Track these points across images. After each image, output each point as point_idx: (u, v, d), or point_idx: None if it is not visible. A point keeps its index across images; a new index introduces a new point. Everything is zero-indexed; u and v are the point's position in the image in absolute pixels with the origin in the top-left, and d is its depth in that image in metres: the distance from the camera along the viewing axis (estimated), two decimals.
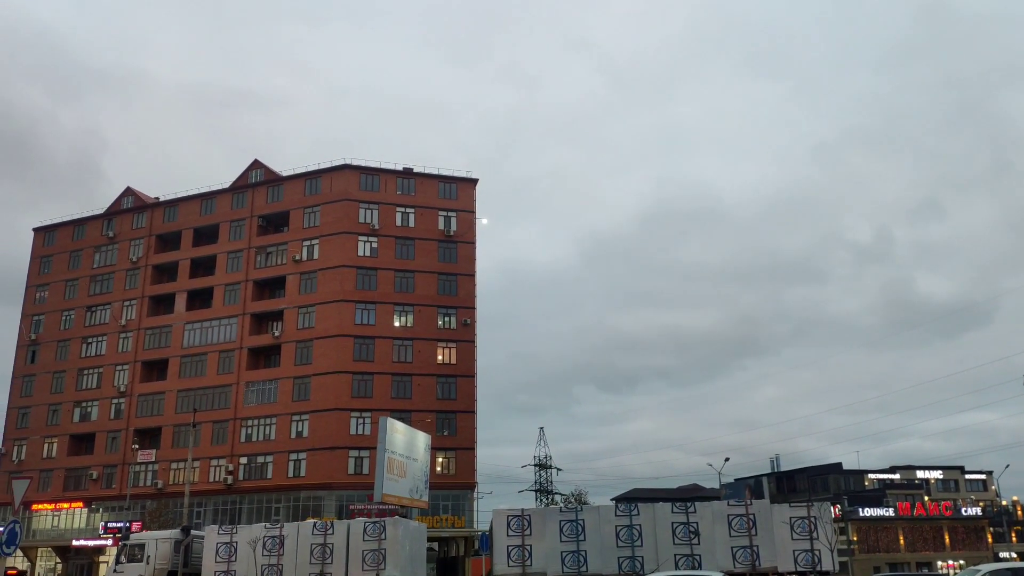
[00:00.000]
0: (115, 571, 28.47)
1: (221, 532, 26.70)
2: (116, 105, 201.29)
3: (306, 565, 24.85)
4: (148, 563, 27.92)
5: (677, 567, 21.77)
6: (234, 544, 26.05)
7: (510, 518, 23.63)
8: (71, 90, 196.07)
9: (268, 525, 27.09)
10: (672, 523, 22.61)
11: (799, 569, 21.34)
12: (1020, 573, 17.92)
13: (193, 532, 29.47)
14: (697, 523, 22.46)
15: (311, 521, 26.47)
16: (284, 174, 75.17)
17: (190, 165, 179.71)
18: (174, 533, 29.49)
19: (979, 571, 19.09)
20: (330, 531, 25.08)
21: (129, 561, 28.17)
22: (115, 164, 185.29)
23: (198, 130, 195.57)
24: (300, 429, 66.31)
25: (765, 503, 23.01)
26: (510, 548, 23.24)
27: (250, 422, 68.25)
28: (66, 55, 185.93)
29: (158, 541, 28.70)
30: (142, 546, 28.47)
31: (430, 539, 64.42)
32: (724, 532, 22.27)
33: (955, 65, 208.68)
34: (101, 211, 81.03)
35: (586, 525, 23.09)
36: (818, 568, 21.31)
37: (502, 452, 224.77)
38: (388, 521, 25.45)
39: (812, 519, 21.84)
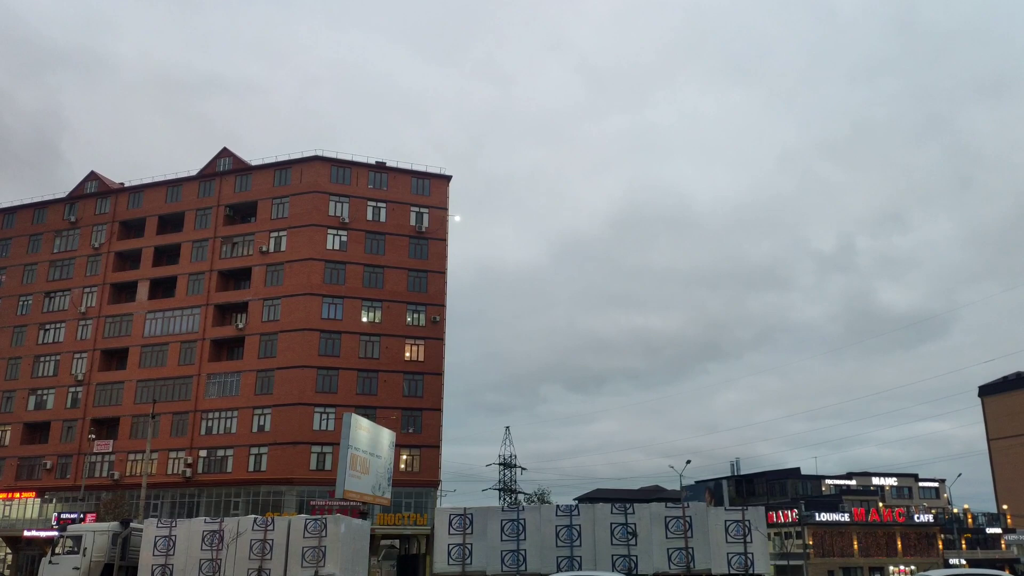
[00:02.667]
0: (50, 563, 27.80)
1: (160, 525, 26.40)
2: (77, 86, 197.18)
3: (245, 560, 24.62)
4: (84, 555, 27.35)
5: (614, 568, 22.02)
6: (173, 538, 25.72)
7: (452, 517, 23.81)
8: (30, 69, 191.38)
9: (208, 519, 26.85)
10: (611, 524, 22.83)
11: (732, 571, 21.66)
12: None
13: (132, 525, 29.03)
14: (635, 524, 22.75)
15: (251, 516, 26.21)
16: (253, 163, 74.13)
17: (155, 151, 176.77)
18: (112, 526, 28.99)
19: None
20: (270, 527, 24.92)
21: (65, 553, 27.57)
22: (76, 147, 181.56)
23: (164, 115, 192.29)
24: (262, 423, 65.49)
25: (701, 506, 23.41)
26: (451, 547, 23.40)
27: (211, 415, 67.25)
28: (25, 33, 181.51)
29: (95, 533, 28.08)
30: (79, 538, 27.86)
31: (392, 536, 64.27)
32: (661, 534, 22.64)
33: (923, 80, 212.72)
34: (63, 195, 79.20)
35: (527, 525, 23.31)
36: (751, 571, 21.64)
37: (468, 451, 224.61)
38: (329, 518, 25.29)
39: (746, 523, 22.12)
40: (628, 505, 23.33)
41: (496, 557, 22.87)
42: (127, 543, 28.15)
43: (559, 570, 21.86)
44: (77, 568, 27.12)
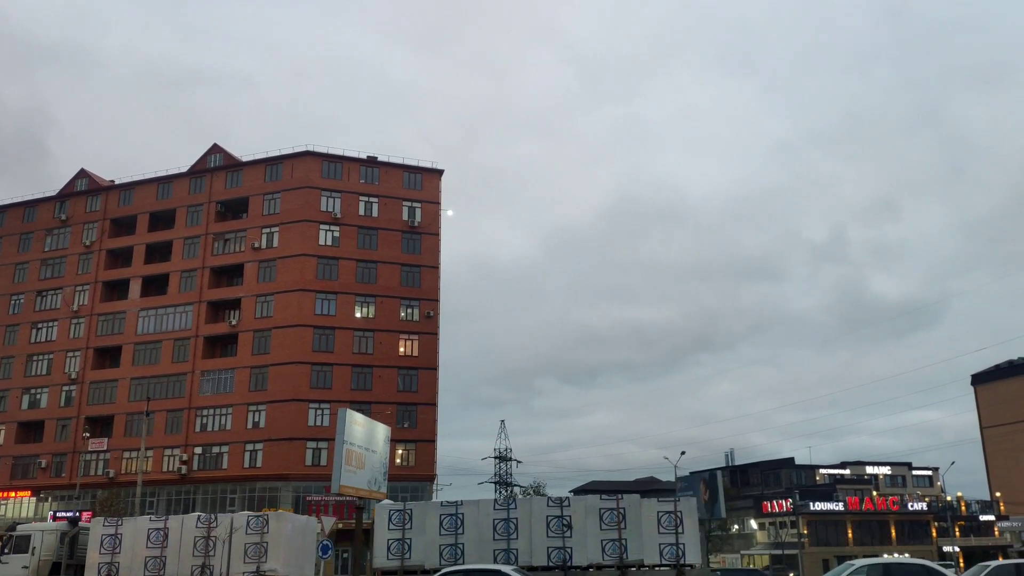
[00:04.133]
0: (0, 562, 28.02)
1: (106, 524, 26.58)
2: (64, 83, 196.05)
3: (189, 558, 24.94)
4: (33, 555, 27.54)
5: (549, 559, 22.47)
6: (119, 536, 25.88)
7: (391, 512, 24.17)
8: (15, 65, 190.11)
9: (153, 517, 27.07)
10: (547, 517, 23.13)
11: (664, 562, 21.99)
12: (893, 568, 18.29)
13: (80, 524, 29.30)
14: (570, 517, 23.02)
15: (196, 514, 26.62)
16: (244, 159, 73.96)
17: (144, 147, 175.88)
18: (61, 525, 29.31)
19: (853, 566, 19.55)
20: (214, 524, 25.24)
21: (14, 552, 27.78)
22: (64, 144, 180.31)
23: (152, 110, 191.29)
24: (257, 419, 65.49)
25: (635, 498, 23.69)
26: (390, 542, 23.73)
27: (205, 411, 67.22)
28: (8, 29, 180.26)
29: (44, 533, 28.31)
30: (27, 537, 28.10)
31: None
32: (595, 525, 22.88)
33: (915, 69, 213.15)
34: (53, 193, 78.91)
35: (465, 519, 23.66)
36: (682, 561, 21.92)
37: (463, 445, 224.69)
38: (271, 515, 25.59)
39: (678, 514, 22.46)
40: (564, 498, 23.71)
41: (434, 551, 23.33)
42: (75, 542, 28.43)
43: (495, 561, 22.34)
44: (26, 567, 27.32)
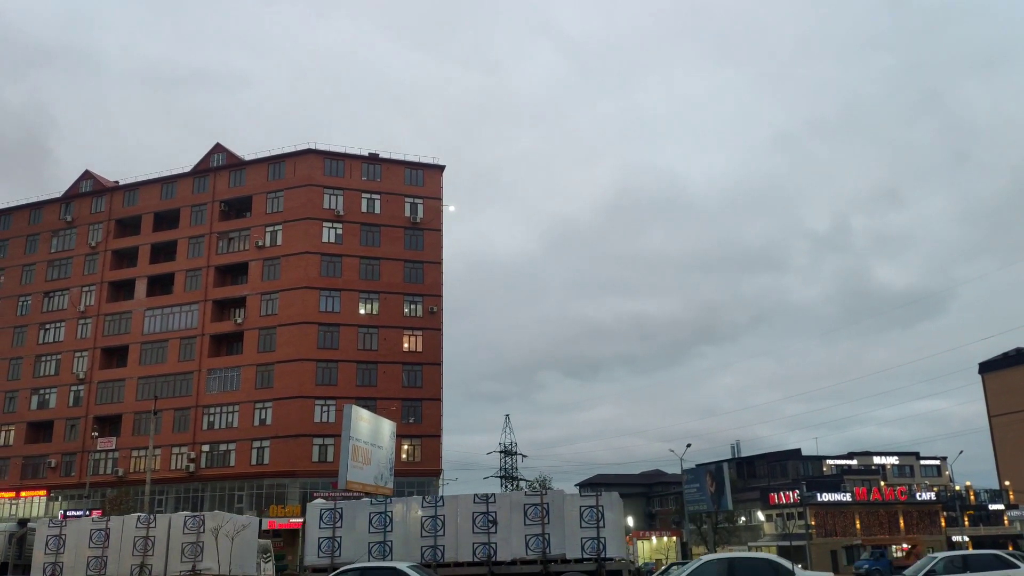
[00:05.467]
0: None
1: (51, 525, 27.35)
2: (64, 84, 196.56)
3: (129, 557, 25.52)
4: None
5: (474, 555, 22.88)
6: (63, 536, 26.52)
7: (322, 511, 24.63)
8: (14, 67, 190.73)
9: (96, 519, 27.99)
10: (473, 513, 23.58)
11: (585, 555, 22.28)
12: (736, 562, 18.16)
13: (28, 525, 29.81)
14: (496, 513, 23.42)
15: (136, 515, 27.22)
16: (247, 158, 74.24)
17: (146, 147, 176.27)
18: (9, 526, 29.87)
19: (701, 560, 19.37)
20: (152, 524, 25.85)
21: None
22: (65, 145, 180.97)
23: (153, 111, 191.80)
24: (263, 416, 65.85)
25: (559, 494, 24.11)
26: (321, 540, 24.16)
27: (212, 409, 67.62)
28: (6, 31, 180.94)
29: None
30: None
31: None
32: (520, 521, 23.26)
33: (916, 55, 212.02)
34: (58, 194, 79.40)
35: (394, 517, 24.11)
36: (602, 555, 22.25)
37: (468, 439, 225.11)
38: (207, 515, 26.13)
39: (600, 508, 22.79)
40: (490, 495, 24.13)
41: (364, 548, 23.76)
42: (23, 542, 28.98)
43: (422, 558, 22.73)
44: None
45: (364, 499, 27.03)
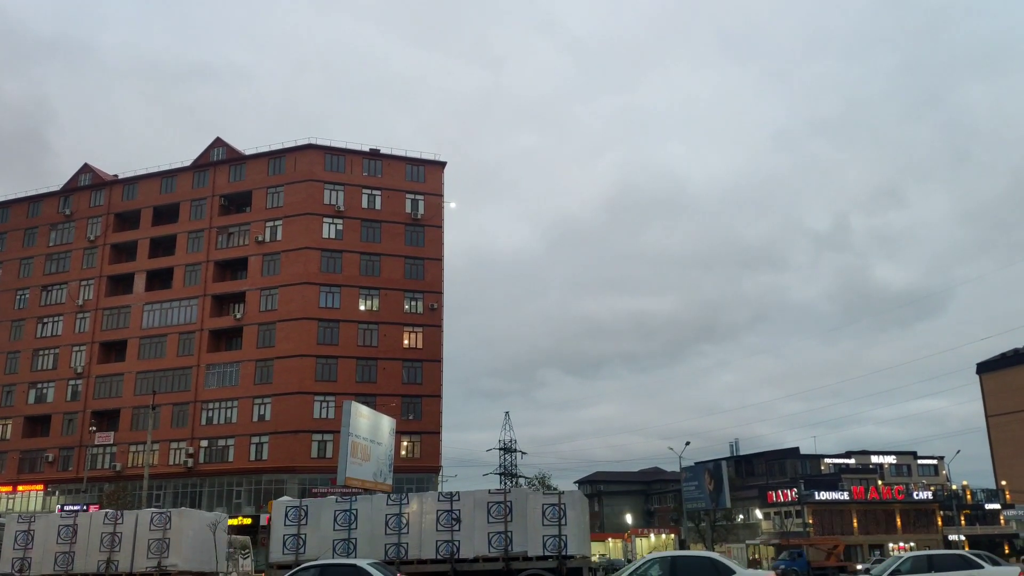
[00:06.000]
0: None
1: (20, 520, 27.52)
2: (63, 78, 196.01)
3: (96, 553, 25.73)
4: None
5: (437, 552, 23.06)
6: (31, 532, 26.71)
7: (288, 509, 24.78)
8: (13, 60, 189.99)
9: (64, 514, 27.86)
10: (437, 511, 23.70)
11: (547, 553, 22.40)
12: (679, 560, 18.20)
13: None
14: (459, 511, 23.52)
15: (103, 511, 27.17)
16: (247, 153, 73.99)
17: (145, 141, 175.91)
18: None
19: (646, 559, 19.45)
20: (120, 520, 26.04)
21: None
22: (64, 139, 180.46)
23: (153, 105, 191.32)
24: (262, 412, 65.70)
25: (523, 491, 24.37)
26: (286, 537, 24.32)
27: (211, 405, 67.45)
28: (6, 22, 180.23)
29: None
30: None
31: None
32: (483, 519, 23.36)
33: (917, 55, 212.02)
34: (57, 188, 79.09)
35: (359, 515, 24.20)
36: (563, 552, 22.36)
37: (468, 436, 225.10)
38: (173, 512, 26.35)
39: (562, 506, 22.87)
40: (455, 493, 24.27)
41: (328, 546, 23.93)
42: None
43: (385, 555, 22.87)
44: None
45: (330, 497, 27.13)
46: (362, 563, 19.00)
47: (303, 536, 24.17)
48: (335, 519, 24.12)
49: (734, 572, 16.81)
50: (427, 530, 23.51)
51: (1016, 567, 19.97)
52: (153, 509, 27.99)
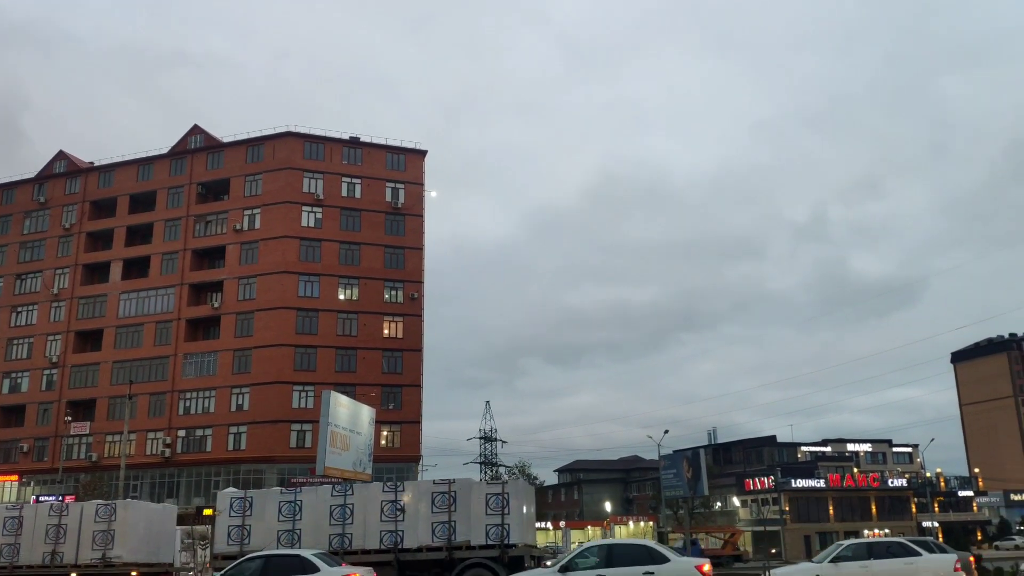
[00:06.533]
0: None
1: None
2: (37, 63, 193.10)
3: (41, 544, 25.72)
4: None
5: (381, 543, 23.16)
6: None
7: (233, 500, 24.86)
8: None
9: (9, 506, 27.65)
10: (381, 502, 23.74)
11: (489, 542, 22.60)
12: (616, 548, 18.55)
13: None
14: (404, 501, 23.67)
15: (48, 503, 27.02)
16: (225, 140, 73.23)
17: (122, 129, 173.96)
18: None
19: (583, 545, 19.76)
20: (65, 512, 26.03)
21: None
22: (39, 125, 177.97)
23: (130, 92, 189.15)
24: (240, 402, 65.31)
25: (467, 482, 24.32)
26: (231, 528, 24.40)
27: (188, 394, 66.95)
28: None
29: None
30: None
31: None
32: (427, 509, 23.46)
33: (898, 48, 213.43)
34: (32, 175, 77.91)
35: (303, 506, 24.28)
36: (506, 541, 22.54)
37: (449, 425, 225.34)
38: (119, 503, 26.32)
39: (506, 495, 23.03)
40: (399, 484, 24.36)
41: (272, 536, 24.02)
42: None
43: (329, 546, 23.06)
44: None
45: (275, 489, 27.15)
46: (305, 553, 18.95)
47: (248, 527, 24.21)
48: (280, 510, 24.16)
49: (668, 559, 16.98)
50: (371, 521, 23.54)
51: (952, 555, 20.26)
52: (98, 501, 27.87)
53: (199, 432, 65.68)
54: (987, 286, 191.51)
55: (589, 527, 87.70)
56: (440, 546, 22.89)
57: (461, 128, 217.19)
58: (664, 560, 16.97)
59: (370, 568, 20.05)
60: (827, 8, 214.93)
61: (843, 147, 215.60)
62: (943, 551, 21.98)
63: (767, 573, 22.30)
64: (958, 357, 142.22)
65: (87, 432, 67.41)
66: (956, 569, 19.00)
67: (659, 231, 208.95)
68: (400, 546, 23.07)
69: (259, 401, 64.47)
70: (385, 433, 65.15)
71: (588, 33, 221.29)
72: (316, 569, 18.03)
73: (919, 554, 19.48)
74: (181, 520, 45.81)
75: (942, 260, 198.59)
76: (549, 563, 19.77)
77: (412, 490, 23.95)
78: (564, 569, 17.11)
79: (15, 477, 68.92)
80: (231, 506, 24.61)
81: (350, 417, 51.97)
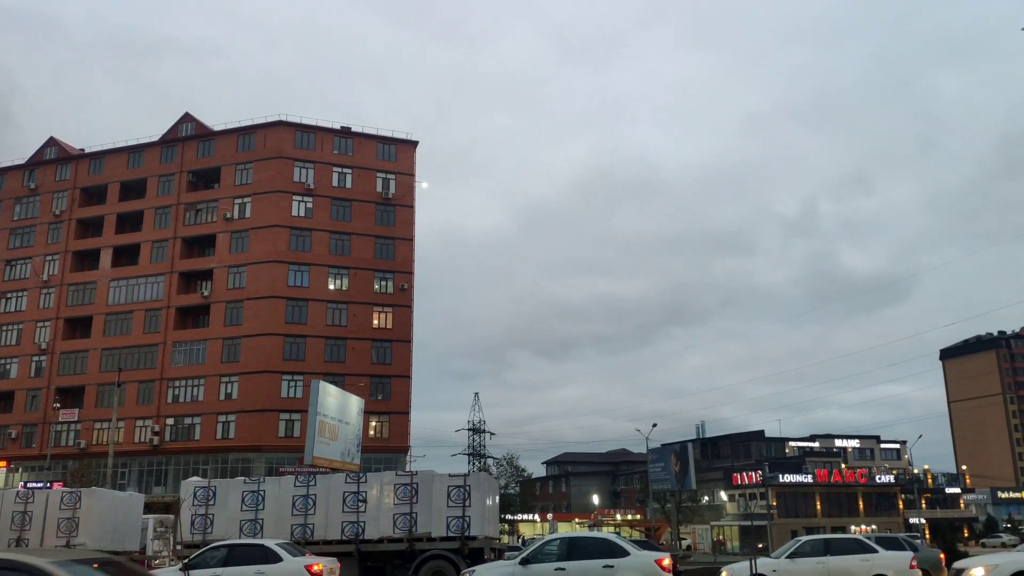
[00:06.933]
0: None
1: None
2: (27, 49, 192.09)
3: (7, 531, 25.74)
4: None
5: (343, 533, 23.29)
6: None
7: (196, 489, 25.05)
8: None
9: None
10: (344, 492, 23.90)
11: (450, 534, 22.82)
12: (577, 540, 18.39)
13: None
14: (366, 492, 23.79)
15: (14, 490, 27.18)
16: (216, 128, 72.97)
17: (112, 115, 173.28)
18: None
19: (546, 539, 19.79)
20: (31, 500, 26.04)
21: None
22: (29, 111, 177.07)
23: (120, 78, 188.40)
24: (229, 391, 65.26)
25: (429, 474, 24.57)
26: (194, 517, 24.63)
27: (177, 383, 66.88)
28: None
29: None
30: None
31: None
32: (390, 500, 23.66)
33: (888, 43, 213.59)
34: (22, 161, 77.54)
35: (266, 496, 24.46)
36: (467, 533, 22.77)
37: (437, 416, 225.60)
38: (84, 492, 26.35)
39: (467, 488, 23.26)
40: (361, 475, 24.54)
41: (235, 526, 24.23)
42: None
43: (292, 536, 23.20)
44: None
45: (238, 478, 27.28)
46: (269, 543, 19.08)
47: (211, 516, 24.38)
48: (243, 500, 24.33)
49: (628, 553, 17.13)
50: (333, 511, 23.67)
51: (907, 552, 20.61)
52: (64, 489, 27.95)
53: (187, 420, 65.64)
54: (976, 283, 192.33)
55: (576, 520, 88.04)
56: (401, 537, 23.03)
57: (450, 118, 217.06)
58: (624, 553, 17.12)
59: (334, 558, 20.12)
60: (817, 3, 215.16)
61: (833, 142, 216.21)
62: (905, 547, 22.42)
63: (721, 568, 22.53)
64: (947, 354, 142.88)
65: (76, 419, 67.30)
66: (912, 567, 19.29)
67: (648, 224, 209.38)
68: (361, 537, 23.21)
69: (248, 390, 64.43)
70: (374, 424, 65.20)
71: (579, 25, 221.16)
72: (279, 559, 18.18)
73: (875, 551, 19.83)
74: (167, 508, 46.09)
75: (931, 256, 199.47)
76: (507, 555, 19.90)
77: (375, 481, 24.06)
78: (525, 562, 17.24)
79: (3, 464, 68.73)
80: (195, 495, 24.80)
81: (339, 407, 52.05)
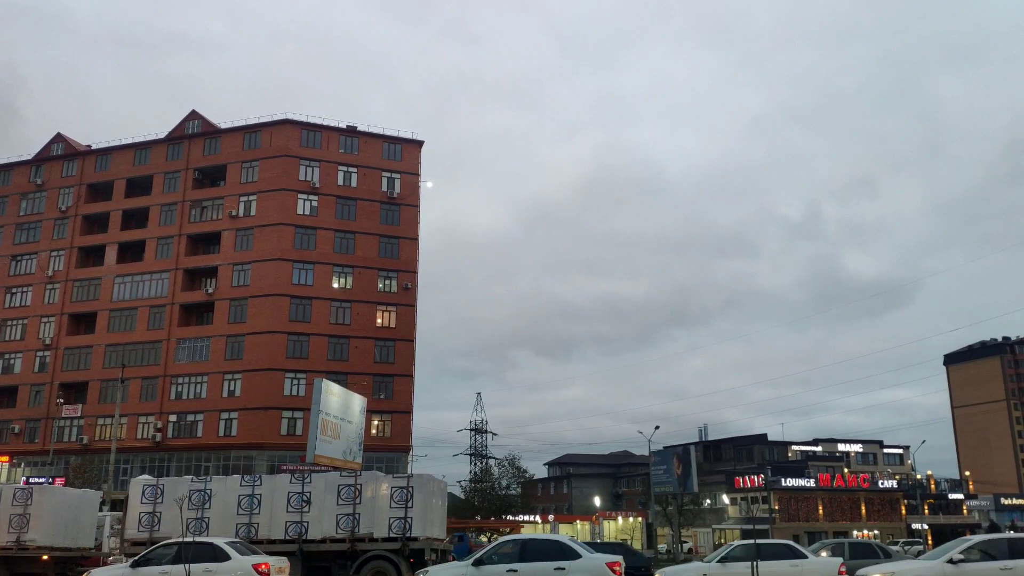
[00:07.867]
0: None
1: None
2: (33, 44, 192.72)
3: None
4: None
5: (286, 533, 23.58)
6: None
7: (145, 487, 25.23)
8: None
9: None
10: (288, 492, 24.12)
11: (392, 534, 23.02)
12: (530, 543, 18.74)
13: None
14: (311, 492, 23.98)
15: None
16: (222, 126, 73.12)
17: (120, 111, 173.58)
18: None
19: (500, 540, 19.94)
20: None
21: None
22: (35, 106, 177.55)
23: (127, 74, 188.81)
24: (232, 388, 65.35)
25: (373, 475, 24.85)
26: (142, 515, 24.80)
27: (180, 379, 66.96)
28: None
29: None
30: None
31: None
32: (333, 501, 23.81)
33: (893, 46, 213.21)
34: (29, 156, 77.77)
35: (213, 494, 24.65)
36: (408, 534, 22.98)
37: (439, 416, 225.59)
38: (36, 488, 26.50)
39: (410, 489, 23.49)
40: (306, 475, 24.79)
41: (182, 524, 24.26)
42: None
43: (236, 535, 23.37)
44: None
45: (186, 477, 27.44)
46: (219, 541, 19.25)
47: (158, 514, 24.50)
48: (189, 498, 24.43)
49: (580, 555, 17.33)
50: (278, 511, 23.85)
51: (837, 559, 20.80)
52: (15, 485, 28.04)
53: (190, 417, 65.74)
54: (981, 289, 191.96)
55: (578, 521, 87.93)
56: (343, 538, 23.18)
57: (454, 117, 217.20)
58: (576, 556, 17.33)
59: (284, 558, 20.22)
60: (822, 5, 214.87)
61: (837, 145, 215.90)
62: (886, 556, 22.76)
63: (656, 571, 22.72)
64: (951, 359, 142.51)
65: (79, 415, 67.42)
66: (841, 574, 19.54)
67: (652, 225, 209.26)
68: (304, 537, 23.37)
69: (251, 387, 64.51)
70: (376, 422, 65.23)
71: (582, 24, 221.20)
72: (228, 557, 18.38)
73: (804, 556, 20.27)
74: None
75: (935, 261, 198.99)
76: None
77: (319, 482, 24.23)
78: (478, 563, 17.43)
79: (6, 458, 68.89)
80: (143, 493, 24.91)
81: (341, 405, 52.07)
